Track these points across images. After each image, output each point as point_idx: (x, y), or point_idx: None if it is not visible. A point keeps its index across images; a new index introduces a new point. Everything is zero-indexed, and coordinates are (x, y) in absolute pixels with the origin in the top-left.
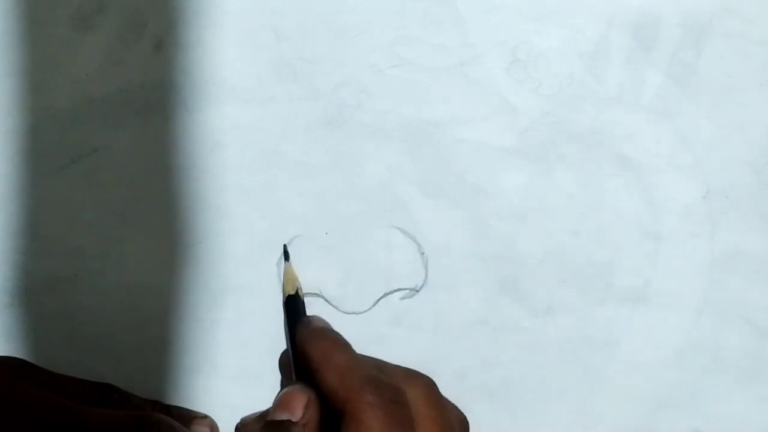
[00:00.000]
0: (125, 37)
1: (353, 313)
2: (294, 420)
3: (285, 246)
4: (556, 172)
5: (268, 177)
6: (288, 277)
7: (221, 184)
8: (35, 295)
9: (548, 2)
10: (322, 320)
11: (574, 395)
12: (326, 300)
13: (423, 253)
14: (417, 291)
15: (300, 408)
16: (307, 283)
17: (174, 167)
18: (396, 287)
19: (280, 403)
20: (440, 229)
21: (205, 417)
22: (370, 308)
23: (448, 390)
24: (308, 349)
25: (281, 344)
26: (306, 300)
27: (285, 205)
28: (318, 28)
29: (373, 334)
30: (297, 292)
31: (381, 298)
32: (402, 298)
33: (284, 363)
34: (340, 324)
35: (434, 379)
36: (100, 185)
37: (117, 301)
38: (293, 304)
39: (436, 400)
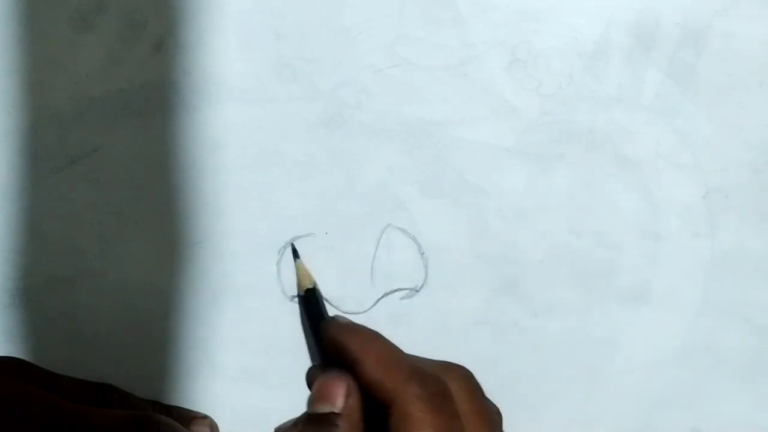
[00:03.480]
0: (125, 37)
1: (353, 313)
2: (337, 411)
3: (293, 244)
4: (555, 172)
5: (268, 177)
6: (302, 272)
7: (221, 184)
8: (35, 295)
9: (548, 2)
10: (347, 318)
11: (574, 395)
12: (326, 300)
13: (423, 253)
14: (417, 291)
15: (341, 396)
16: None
17: (174, 167)
18: (396, 287)
19: (318, 394)
20: (440, 229)
21: (205, 417)
22: (370, 308)
23: None
24: (344, 340)
25: (281, 344)
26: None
27: (285, 205)
28: (318, 28)
29: None
30: (314, 287)
31: (381, 298)
32: (402, 298)
33: (313, 375)
34: None
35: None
36: (100, 185)
37: (117, 301)
38: (313, 299)
39: (477, 392)
